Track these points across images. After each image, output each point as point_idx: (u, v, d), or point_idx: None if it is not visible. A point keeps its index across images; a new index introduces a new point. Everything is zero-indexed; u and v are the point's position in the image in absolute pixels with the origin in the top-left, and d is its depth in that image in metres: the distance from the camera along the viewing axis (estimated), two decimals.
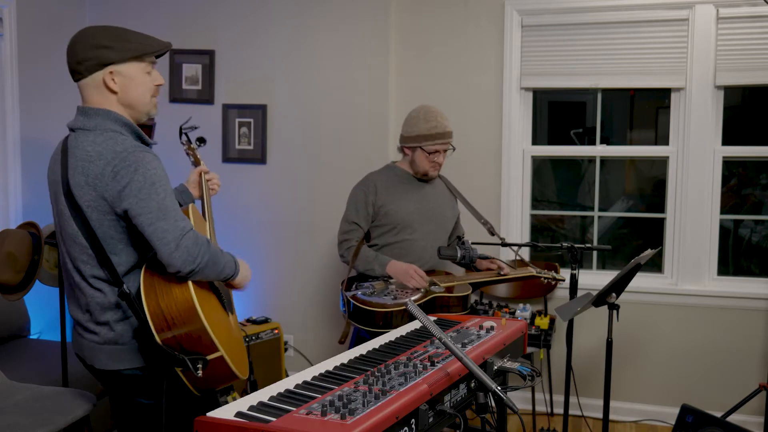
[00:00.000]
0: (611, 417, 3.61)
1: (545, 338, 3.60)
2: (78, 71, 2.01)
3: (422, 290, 2.94)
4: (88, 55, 1.99)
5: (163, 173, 1.97)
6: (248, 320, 3.93)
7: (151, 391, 2.05)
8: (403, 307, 2.82)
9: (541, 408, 3.98)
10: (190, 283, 1.95)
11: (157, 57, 2.14)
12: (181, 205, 2.21)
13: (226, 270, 2.07)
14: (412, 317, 2.69)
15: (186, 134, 2.57)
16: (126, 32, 2.06)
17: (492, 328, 2.32)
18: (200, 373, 1.91)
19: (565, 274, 3.22)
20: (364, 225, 3.12)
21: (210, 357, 1.94)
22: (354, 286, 3.02)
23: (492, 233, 3.22)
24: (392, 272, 2.99)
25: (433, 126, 3.03)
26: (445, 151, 3.10)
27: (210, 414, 1.51)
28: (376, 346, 2.13)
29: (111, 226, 1.96)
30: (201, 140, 2.64)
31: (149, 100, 2.09)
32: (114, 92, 2.02)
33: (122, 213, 1.93)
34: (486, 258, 3.09)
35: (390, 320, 2.81)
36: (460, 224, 3.38)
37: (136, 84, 2.04)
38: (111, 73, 2.00)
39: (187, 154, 2.59)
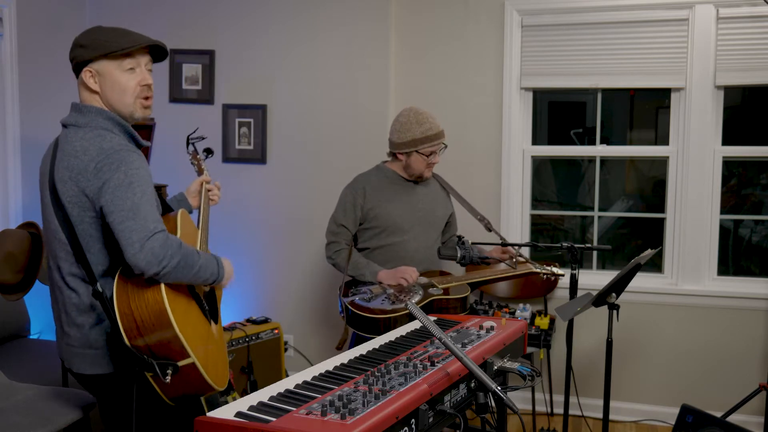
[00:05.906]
0: (611, 417, 3.60)
1: (545, 338, 3.60)
2: (73, 71, 2.05)
3: (420, 293, 2.93)
4: (71, 55, 2.03)
5: (146, 174, 1.93)
6: (248, 320, 3.93)
7: (121, 395, 2.02)
8: (402, 312, 2.82)
9: (541, 408, 3.97)
10: (162, 286, 1.89)
11: (156, 58, 2.10)
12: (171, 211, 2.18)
13: (203, 274, 1.99)
14: (411, 320, 2.69)
15: (193, 144, 2.57)
16: (103, 30, 2.02)
17: (492, 328, 2.32)
18: (168, 379, 1.86)
19: (565, 274, 3.22)
20: (351, 228, 3.12)
21: (181, 363, 1.89)
22: (351, 291, 3.01)
23: (489, 229, 3.21)
24: (382, 279, 2.99)
25: (427, 128, 3.02)
26: (439, 150, 3.09)
27: (210, 414, 1.51)
28: (376, 346, 2.13)
29: (90, 223, 1.94)
30: (208, 151, 2.63)
31: (130, 101, 2.03)
32: (95, 91, 2.01)
33: (99, 210, 1.91)
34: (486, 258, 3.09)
35: (390, 325, 2.80)
36: (455, 223, 3.37)
37: (111, 83, 2.00)
38: (90, 72, 2.00)
39: (192, 163, 2.57)
